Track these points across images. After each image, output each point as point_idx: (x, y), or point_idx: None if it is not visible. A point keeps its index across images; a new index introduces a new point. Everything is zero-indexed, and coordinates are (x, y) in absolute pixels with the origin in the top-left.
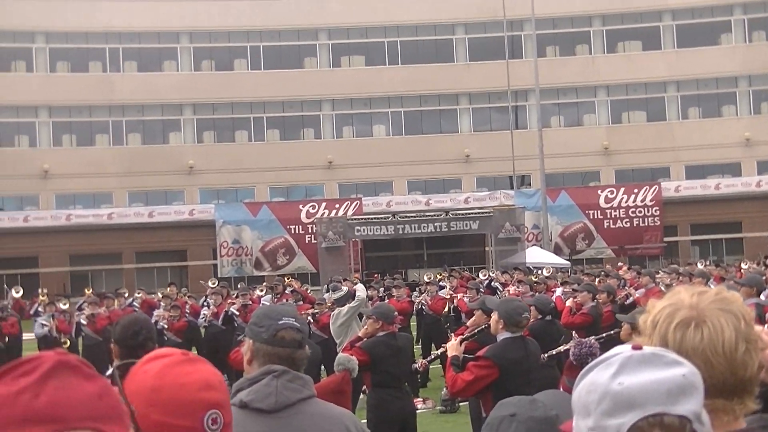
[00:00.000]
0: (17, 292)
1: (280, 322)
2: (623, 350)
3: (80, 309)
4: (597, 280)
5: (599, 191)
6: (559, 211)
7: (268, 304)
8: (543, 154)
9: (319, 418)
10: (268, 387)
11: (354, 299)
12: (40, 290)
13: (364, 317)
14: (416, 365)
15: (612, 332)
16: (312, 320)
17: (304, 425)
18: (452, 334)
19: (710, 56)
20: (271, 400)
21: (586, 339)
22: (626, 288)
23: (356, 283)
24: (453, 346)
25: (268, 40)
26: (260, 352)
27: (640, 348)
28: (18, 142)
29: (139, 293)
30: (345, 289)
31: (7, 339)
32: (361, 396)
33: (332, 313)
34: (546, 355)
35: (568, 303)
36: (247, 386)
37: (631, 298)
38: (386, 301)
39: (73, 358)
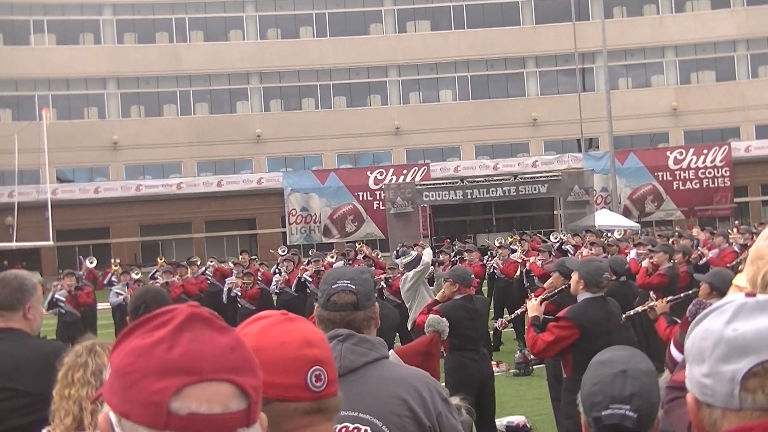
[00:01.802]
0: (91, 263)
1: (334, 286)
2: (736, 298)
3: (153, 278)
4: (671, 240)
5: (668, 153)
6: (627, 174)
7: None
8: (611, 117)
9: (385, 381)
10: (333, 352)
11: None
12: (113, 260)
13: (435, 281)
14: (496, 324)
15: (690, 292)
16: (385, 285)
17: (368, 389)
18: (532, 294)
19: None
20: (335, 365)
21: (706, 301)
22: (699, 248)
23: (424, 248)
24: (533, 307)
25: (333, 6)
26: (320, 317)
27: (753, 295)
28: (87, 114)
29: (211, 262)
30: (414, 253)
31: (82, 309)
32: None
33: (401, 278)
34: (624, 316)
35: (644, 264)
36: None
37: (704, 259)
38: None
39: (204, 311)
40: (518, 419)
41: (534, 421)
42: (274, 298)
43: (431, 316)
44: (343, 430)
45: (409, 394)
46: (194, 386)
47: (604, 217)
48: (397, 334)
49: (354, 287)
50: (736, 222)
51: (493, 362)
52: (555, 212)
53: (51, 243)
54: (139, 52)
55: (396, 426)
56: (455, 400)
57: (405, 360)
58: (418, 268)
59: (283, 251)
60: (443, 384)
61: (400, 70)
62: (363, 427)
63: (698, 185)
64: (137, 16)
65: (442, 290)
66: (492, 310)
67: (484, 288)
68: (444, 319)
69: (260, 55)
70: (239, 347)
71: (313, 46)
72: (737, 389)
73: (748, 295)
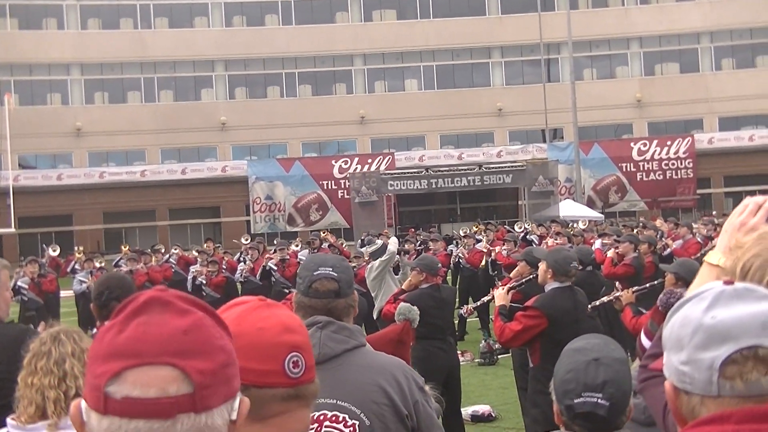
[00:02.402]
0: (54, 251)
1: (315, 273)
2: (715, 285)
3: (117, 266)
4: (635, 231)
5: (632, 144)
6: (591, 164)
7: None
8: (576, 107)
9: (365, 369)
10: (312, 339)
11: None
12: (76, 248)
13: (401, 270)
14: (462, 311)
15: (656, 282)
16: None
17: (348, 376)
18: (499, 283)
19: (744, 6)
20: (315, 352)
21: (677, 290)
22: (664, 239)
23: (390, 237)
24: (501, 296)
25: None
26: (300, 304)
27: (731, 283)
28: (50, 100)
29: (175, 249)
30: (380, 242)
31: (45, 296)
32: None
33: (367, 267)
34: (590, 306)
35: (610, 254)
36: None
37: (669, 250)
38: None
39: (169, 294)
40: (483, 408)
41: (499, 410)
42: (239, 286)
43: (402, 304)
44: (322, 417)
45: (388, 382)
46: (132, 370)
47: (568, 208)
48: (363, 323)
49: (336, 275)
50: (713, 213)
51: (457, 352)
52: (519, 202)
53: (13, 230)
54: (104, 38)
55: (374, 414)
56: (426, 388)
57: (376, 348)
58: (383, 257)
59: (247, 240)
60: None
61: (366, 58)
62: (341, 415)
63: (662, 176)
64: (101, 1)
65: (409, 279)
66: (457, 300)
67: (449, 277)
68: (415, 307)
69: (225, 43)
70: (195, 330)
71: (279, 34)
72: (716, 376)
73: (727, 282)
